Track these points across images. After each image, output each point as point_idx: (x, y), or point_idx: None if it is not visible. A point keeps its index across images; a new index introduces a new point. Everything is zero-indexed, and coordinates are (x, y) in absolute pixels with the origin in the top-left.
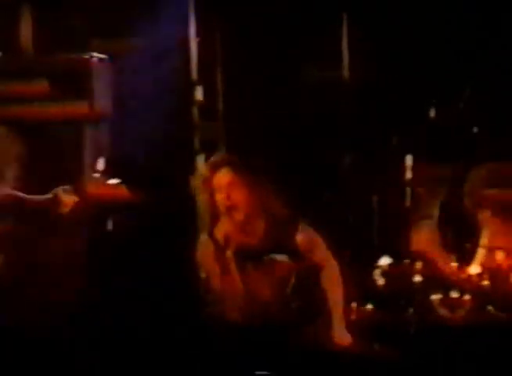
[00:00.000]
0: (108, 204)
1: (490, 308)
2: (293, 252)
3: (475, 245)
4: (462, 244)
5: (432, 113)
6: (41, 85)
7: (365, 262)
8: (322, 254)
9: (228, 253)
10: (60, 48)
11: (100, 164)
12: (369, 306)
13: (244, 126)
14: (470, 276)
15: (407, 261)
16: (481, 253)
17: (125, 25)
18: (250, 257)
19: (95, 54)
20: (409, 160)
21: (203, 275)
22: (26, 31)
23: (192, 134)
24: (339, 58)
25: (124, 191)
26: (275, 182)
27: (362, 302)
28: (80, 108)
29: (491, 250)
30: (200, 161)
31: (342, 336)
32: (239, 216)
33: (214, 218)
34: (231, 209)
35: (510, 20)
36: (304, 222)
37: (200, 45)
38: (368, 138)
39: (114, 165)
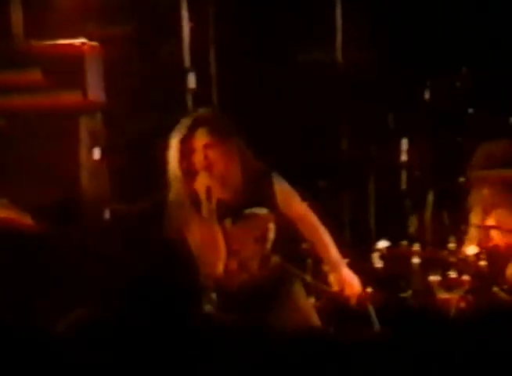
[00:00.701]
0: None
1: (496, 289)
2: (272, 206)
3: (471, 225)
4: (459, 225)
5: (427, 94)
6: (34, 75)
7: (363, 245)
8: (299, 206)
9: (211, 205)
10: (52, 35)
11: (96, 154)
12: (369, 289)
13: (238, 112)
14: (467, 256)
15: (405, 243)
16: (475, 232)
17: (117, 11)
18: (228, 212)
19: (87, 41)
20: (404, 143)
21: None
22: (16, 18)
23: None
24: (333, 39)
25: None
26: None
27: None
28: (73, 97)
29: (486, 229)
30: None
31: (350, 275)
32: (216, 173)
33: (191, 176)
34: (209, 167)
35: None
36: (278, 176)
37: (193, 31)
38: (363, 120)
39: (109, 154)
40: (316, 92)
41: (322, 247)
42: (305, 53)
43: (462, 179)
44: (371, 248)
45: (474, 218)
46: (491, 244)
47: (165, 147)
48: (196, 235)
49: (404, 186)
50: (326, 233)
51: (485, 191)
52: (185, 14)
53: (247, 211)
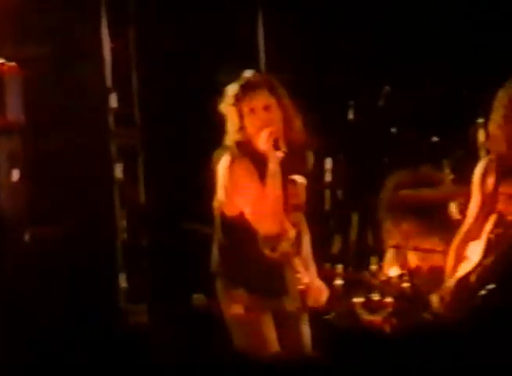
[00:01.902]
0: None
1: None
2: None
3: (392, 247)
4: (381, 247)
5: (351, 113)
6: None
7: None
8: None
9: (277, 159)
10: None
11: (15, 175)
12: None
13: (161, 131)
14: (390, 278)
15: (328, 265)
16: (395, 254)
17: (37, 30)
18: (282, 171)
19: (5, 61)
20: (328, 163)
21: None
22: None
23: (108, 141)
24: (255, 58)
25: None
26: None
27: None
28: None
29: (406, 251)
30: (119, 169)
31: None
32: (278, 131)
33: (252, 135)
34: (271, 125)
35: (429, 19)
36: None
37: (114, 51)
38: None
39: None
40: None
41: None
42: (227, 74)
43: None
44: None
45: (392, 239)
46: (413, 266)
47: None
48: (258, 195)
49: (328, 206)
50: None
51: (404, 212)
52: (105, 34)
53: (293, 176)
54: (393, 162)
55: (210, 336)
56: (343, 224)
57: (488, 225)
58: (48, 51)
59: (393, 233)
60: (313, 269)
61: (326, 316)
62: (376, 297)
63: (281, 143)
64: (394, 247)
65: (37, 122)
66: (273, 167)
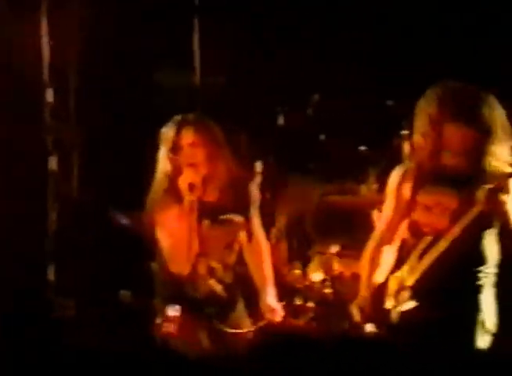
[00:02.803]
0: None
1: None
2: (246, 215)
3: (316, 252)
4: (305, 252)
5: (281, 119)
6: None
7: None
8: (258, 222)
9: (193, 201)
10: None
11: None
12: None
13: (97, 126)
14: (312, 283)
15: None
16: (319, 260)
17: None
18: (207, 214)
19: None
20: (258, 166)
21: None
22: None
23: (44, 135)
24: (191, 62)
25: None
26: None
27: None
28: None
29: (330, 257)
30: (53, 162)
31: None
32: (200, 172)
33: (177, 171)
34: (193, 165)
35: (356, 28)
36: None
37: (52, 47)
38: None
39: None
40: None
41: (262, 273)
42: (164, 76)
43: (310, 205)
44: None
45: (317, 245)
46: (336, 273)
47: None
48: (171, 230)
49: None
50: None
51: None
52: (44, 30)
53: (224, 216)
54: (319, 168)
55: (136, 332)
56: (270, 227)
57: (402, 234)
58: None
59: (318, 239)
60: (269, 286)
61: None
62: (298, 301)
63: (197, 185)
64: (318, 252)
65: None
66: (187, 209)
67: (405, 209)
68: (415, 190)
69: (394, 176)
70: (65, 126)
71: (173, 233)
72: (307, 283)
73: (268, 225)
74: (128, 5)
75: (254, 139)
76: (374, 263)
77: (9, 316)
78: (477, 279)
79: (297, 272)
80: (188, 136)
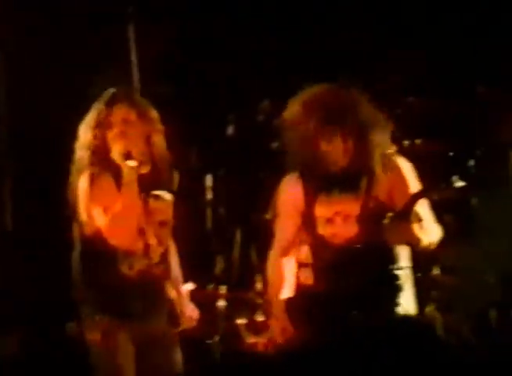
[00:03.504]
0: None
1: None
2: (173, 193)
3: None
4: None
5: (230, 128)
6: None
7: None
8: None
9: (131, 170)
10: None
11: None
12: None
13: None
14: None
15: (211, 286)
16: None
17: None
18: (142, 186)
19: None
20: (209, 180)
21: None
22: None
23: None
24: (129, 73)
25: None
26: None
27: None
28: None
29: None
30: None
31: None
32: (135, 143)
33: (107, 147)
34: (127, 138)
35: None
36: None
37: None
38: None
39: None
40: None
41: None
42: (100, 86)
43: (268, 216)
44: None
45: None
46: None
47: None
48: (111, 204)
49: (209, 225)
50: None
51: None
52: None
53: (156, 192)
54: (273, 177)
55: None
56: (225, 243)
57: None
58: None
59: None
60: (183, 290)
61: (209, 340)
62: (260, 317)
63: (135, 155)
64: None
65: None
66: (127, 178)
67: (305, 222)
68: (309, 204)
69: (284, 186)
70: None
71: (112, 207)
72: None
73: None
74: (63, 16)
75: (204, 151)
76: (276, 275)
77: None
78: (394, 276)
79: (259, 286)
80: (120, 112)
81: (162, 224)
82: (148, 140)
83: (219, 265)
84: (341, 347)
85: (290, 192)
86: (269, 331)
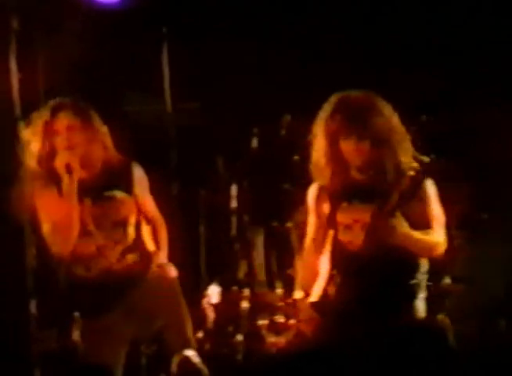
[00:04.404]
0: None
1: None
2: (130, 192)
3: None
4: (287, 269)
5: (255, 142)
6: None
7: (193, 290)
8: (151, 202)
9: (71, 181)
10: None
11: None
12: (200, 334)
13: None
14: (294, 300)
15: (235, 288)
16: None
17: None
18: (88, 192)
19: None
20: (234, 189)
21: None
22: None
23: (17, 168)
24: (161, 89)
25: None
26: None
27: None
28: None
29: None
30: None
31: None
32: (77, 153)
33: (52, 155)
34: (70, 147)
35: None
36: (137, 165)
37: (22, 82)
38: (193, 168)
39: None
40: (145, 141)
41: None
42: (133, 103)
43: (289, 224)
44: (202, 294)
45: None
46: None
47: None
48: (51, 212)
49: (234, 231)
50: (165, 238)
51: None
52: (13, 65)
53: (107, 193)
54: (296, 188)
55: None
56: (249, 249)
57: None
58: None
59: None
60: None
61: (232, 339)
62: (280, 319)
63: (75, 165)
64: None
65: None
66: (65, 188)
67: (328, 226)
68: (333, 210)
69: (311, 194)
70: None
71: (53, 215)
72: (289, 300)
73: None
74: (95, 36)
75: (229, 162)
76: (306, 274)
77: None
78: (409, 285)
79: (280, 290)
80: (65, 120)
81: (116, 224)
82: (95, 144)
83: (243, 270)
84: (358, 349)
85: (316, 196)
86: (289, 332)
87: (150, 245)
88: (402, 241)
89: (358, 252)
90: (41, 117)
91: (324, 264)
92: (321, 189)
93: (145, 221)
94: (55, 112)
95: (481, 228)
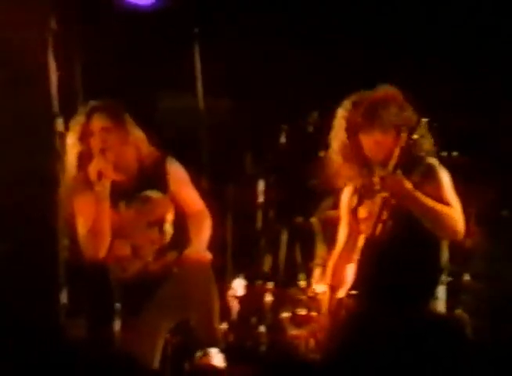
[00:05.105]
0: None
1: None
2: (165, 189)
3: (318, 264)
4: (309, 263)
5: (283, 138)
6: None
7: (219, 283)
8: (189, 190)
9: (103, 187)
10: None
11: None
12: (224, 326)
13: None
14: (316, 294)
15: (259, 282)
16: (322, 271)
17: None
18: (122, 195)
19: None
20: (261, 185)
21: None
22: None
23: (54, 163)
24: (193, 87)
25: None
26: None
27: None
28: None
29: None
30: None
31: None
32: (111, 156)
33: (87, 159)
34: (104, 151)
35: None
36: (172, 159)
37: (60, 78)
38: (223, 163)
39: None
40: (179, 137)
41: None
42: (167, 100)
43: (313, 219)
44: (227, 286)
45: (319, 258)
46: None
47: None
48: (85, 217)
49: (260, 225)
50: (208, 227)
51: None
52: (52, 64)
53: (141, 194)
54: (321, 184)
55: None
56: (273, 243)
57: (358, 248)
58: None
59: (321, 251)
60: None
61: (255, 331)
62: (302, 312)
63: (106, 172)
64: (320, 264)
65: None
66: (98, 195)
67: (356, 225)
68: (358, 206)
69: (345, 193)
70: None
71: (86, 220)
72: (311, 294)
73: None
74: (130, 37)
75: (257, 158)
76: (336, 276)
77: (26, 340)
78: (429, 278)
79: (302, 283)
80: (99, 122)
81: (151, 224)
82: (128, 146)
83: (267, 264)
84: (377, 343)
85: (349, 198)
86: (311, 325)
87: (191, 238)
88: (414, 198)
89: (377, 239)
90: (77, 121)
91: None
92: (353, 193)
93: (186, 215)
94: (90, 115)
95: (501, 225)
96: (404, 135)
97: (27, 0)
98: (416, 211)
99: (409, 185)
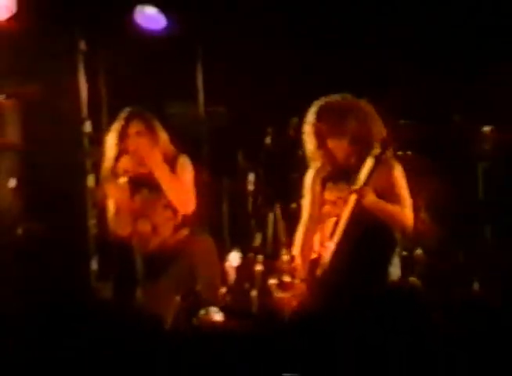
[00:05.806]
0: None
1: None
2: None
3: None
4: (292, 240)
5: (268, 139)
6: None
7: (218, 255)
8: (189, 178)
9: (123, 180)
10: None
11: (12, 183)
12: (223, 290)
13: None
14: (298, 264)
15: (251, 254)
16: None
17: (30, 74)
18: (146, 183)
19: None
20: (251, 177)
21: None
22: None
23: (84, 158)
24: (195, 96)
25: None
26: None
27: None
28: None
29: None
30: (91, 179)
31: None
32: (140, 156)
33: (119, 156)
34: (133, 151)
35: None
36: (185, 156)
37: (88, 89)
38: (220, 160)
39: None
40: (182, 139)
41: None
42: (174, 107)
43: (294, 205)
44: (224, 258)
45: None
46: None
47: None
48: (115, 200)
49: (251, 209)
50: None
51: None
52: (82, 77)
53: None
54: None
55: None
56: (262, 223)
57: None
58: (38, 89)
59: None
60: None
61: (248, 294)
62: (286, 279)
63: (131, 169)
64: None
65: (29, 143)
66: (121, 186)
67: (320, 203)
68: (322, 188)
69: (309, 175)
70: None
71: (115, 202)
72: (293, 265)
73: (262, 218)
74: (141, 50)
75: (248, 155)
76: (305, 246)
77: (60, 301)
78: (386, 253)
79: (285, 256)
80: (135, 126)
81: (166, 206)
82: (155, 147)
83: (257, 240)
84: (344, 310)
85: (312, 179)
86: (294, 289)
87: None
88: (376, 206)
89: (344, 224)
90: (117, 126)
91: (318, 236)
92: (315, 173)
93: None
94: (128, 120)
95: (445, 211)
96: (377, 151)
97: (62, 29)
98: (376, 213)
99: (373, 197)
